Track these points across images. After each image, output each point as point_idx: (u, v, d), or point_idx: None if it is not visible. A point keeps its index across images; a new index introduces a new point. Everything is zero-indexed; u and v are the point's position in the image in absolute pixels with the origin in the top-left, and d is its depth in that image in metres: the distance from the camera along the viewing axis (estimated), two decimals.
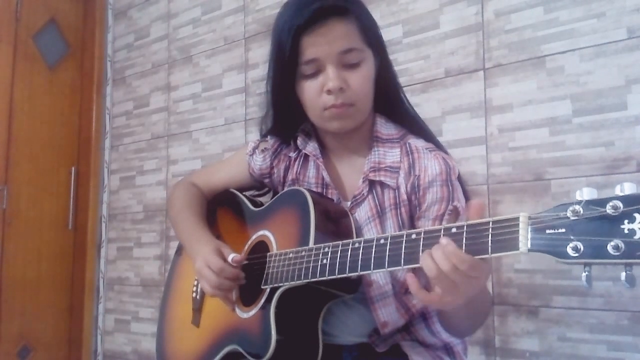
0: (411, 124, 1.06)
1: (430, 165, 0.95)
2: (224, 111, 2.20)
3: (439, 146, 1.03)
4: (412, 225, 0.97)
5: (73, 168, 2.58)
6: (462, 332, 1.00)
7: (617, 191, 0.57)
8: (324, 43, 0.91)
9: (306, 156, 1.08)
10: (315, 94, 0.94)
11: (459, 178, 0.98)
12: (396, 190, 0.97)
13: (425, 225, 0.94)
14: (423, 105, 1.64)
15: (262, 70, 2.04)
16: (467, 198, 0.98)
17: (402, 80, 1.66)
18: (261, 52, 2.09)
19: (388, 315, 0.95)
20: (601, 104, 1.37)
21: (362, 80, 0.94)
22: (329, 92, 0.92)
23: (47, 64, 2.52)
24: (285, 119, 1.05)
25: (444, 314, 0.90)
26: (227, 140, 2.18)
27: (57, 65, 2.56)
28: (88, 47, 2.67)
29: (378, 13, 1.76)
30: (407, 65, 1.69)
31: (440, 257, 0.68)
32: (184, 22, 2.40)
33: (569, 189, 1.41)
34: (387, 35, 1.73)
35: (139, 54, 2.58)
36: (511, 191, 1.49)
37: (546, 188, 1.44)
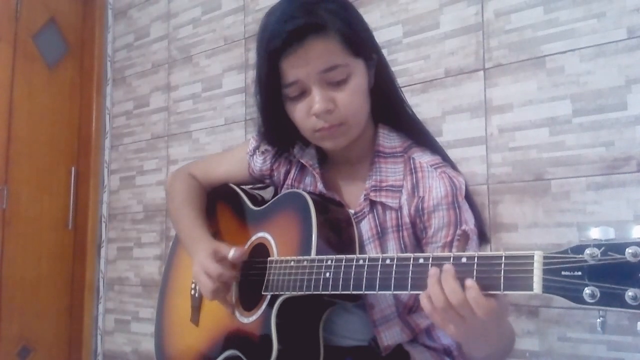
0: (415, 131, 1.01)
1: (435, 186, 0.91)
2: (224, 111, 2.20)
3: (445, 159, 0.98)
4: (417, 246, 0.94)
5: (73, 168, 2.57)
6: None
7: (637, 233, 0.55)
8: (303, 65, 0.86)
9: (304, 165, 1.05)
10: (304, 116, 0.90)
11: (467, 194, 0.93)
12: (398, 212, 0.93)
13: (434, 252, 0.89)
14: (423, 105, 1.64)
15: None
16: (476, 214, 0.94)
17: (402, 80, 1.68)
18: None
19: (392, 337, 0.93)
20: (601, 104, 1.37)
21: (350, 97, 0.89)
22: (316, 115, 0.88)
23: (47, 64, 2.52)
24: (278, 132, 1.02)
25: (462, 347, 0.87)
26: (227, 140, 2.17)
27: (56, 65, 2.56)
28: (88, 47, 2.67)
29: (378, 13, 1.76)
30: (407, 65, 1.69)
31: (450, 292, 0.66)
32: (184, 22, 2.39)
33: (569, 188, 1.41)
34: (387, 35, 1.73)
35: (139, 53, 2.57)
36: (511, 191, 1.49)
37: (546, 188, 1.44)
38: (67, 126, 2.59)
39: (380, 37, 1.78)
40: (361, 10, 1.78)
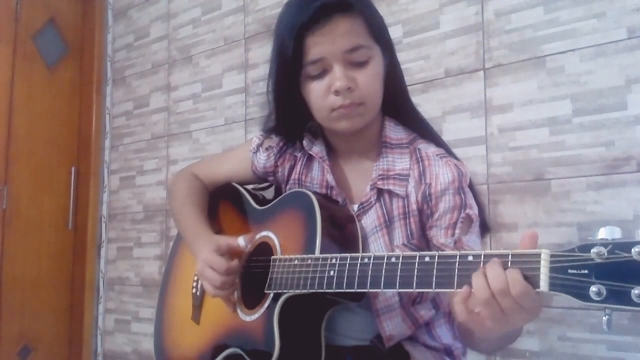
0: (420, 126, 1.03)
1: (442, 173, 0.93)
2: (224, 111, 2.20)
3: (449, 151, 1.00)
4: (422, 235, 0.95)
5: (73, 168, 2.57)
6: (481, 351, 0.99)
7: None
8: (328, 42, 0.87)
9: (311, 156, 1.05)
10: (323, 94, 0.91)
11: (470, 184, 0.95)
12: (405, 200, 0.95)
13: (437, 234, 0.92)
14: (423, 105, 1.63)
15: (262, 70, 2.04)
16: (477, 203, 0.96)
17: None
18: (261, 52, 2.09)
19: (394, 328, 0.94)
20: (601, 103, 1.37)
21: (370, 78, 0.90)
22: (336, 92, 0.89)
23: (47, 64, 2.52)
24: (289, 119, 1.02)
25: (468, 332, 0.85)
26: (227, 140, 2.17)
27: (56, 65, 2.56)
28: (88, 47, 2.67)
29: None
30: (407, 65, 1.69)
31: (495, 277, 0.63)
32: (184, 22, 2.39)
33: (569, 188, 1.41)
34: None
35: (139, 54, 2.57)
36: (511, 191, 1.49)
37: (546, 188, 1.44)
38: (67, 126, 2.59)
39: None
40: None
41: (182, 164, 2.32)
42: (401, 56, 1.71)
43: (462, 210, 0.90)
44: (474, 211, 0.92)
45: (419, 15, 1.69)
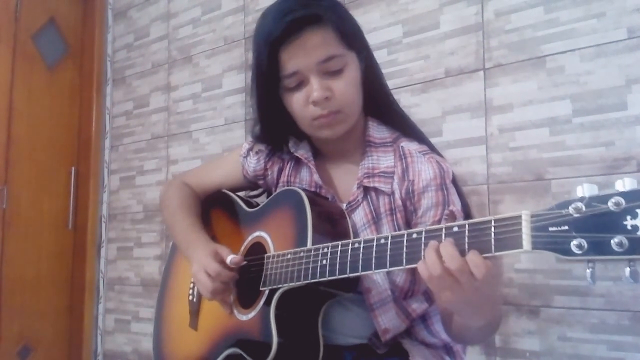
0: (402, 124, 1.05)
1: (424, 170, 0.95)
2: (223, 111, 2.20)
3: (432, 148, 1.02)
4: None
5: (73, 168, 2.57)
6: (466, 341, 1.00)
7: (619, 186, 0.57)
8: (302, 55, 0.90)
9: (298, 159, 1.07)
10: (302, 105, 0.94)
11: (454, 180, 0.97)
12: (391, 196, 0.97)
13: None
14: (423, 105, 1.64)
15: None
16: (462, 200, 0.98)
17: (402, 80, 1.68)
18: None
19: (389, 321, 0.95)
20: (601, 103, 1.37)
21: (346, 86, 0.93)
22: (314, 103, 0.92)
23: (47, 64, 2.52)
24: (273, 127, 1.05)
25: (448, 318, 0.89)
26: (227, 140, 2.17)
27: (56, 65, 2.56)
28: (88, 47, 2.66)
29: (378, 13, 1.76)
30: (407, 65, 1.69)
31: (449, 257, 0.68)
32: (183, 22, 2.39)
33: (569, 188, 1.41)
34: (387, 35, 1.73)
35: (139, 54, 2.57)
36: (511, 191, 1.49)
37: (546, 188, 1.44)
38: (67, 126, 2.59)
39: (380, 37, 1.78)
40: (361, 10, 1.77)
41: (182, 164, 2.32)
42: (401, 56, 1.73)
43: (445, 207, 0.92)
44: (456, 207, 0.93)
45: (419, 15, 1.69)
